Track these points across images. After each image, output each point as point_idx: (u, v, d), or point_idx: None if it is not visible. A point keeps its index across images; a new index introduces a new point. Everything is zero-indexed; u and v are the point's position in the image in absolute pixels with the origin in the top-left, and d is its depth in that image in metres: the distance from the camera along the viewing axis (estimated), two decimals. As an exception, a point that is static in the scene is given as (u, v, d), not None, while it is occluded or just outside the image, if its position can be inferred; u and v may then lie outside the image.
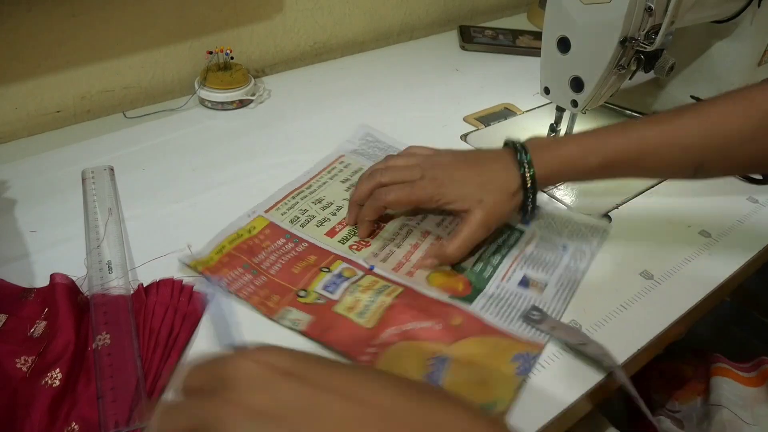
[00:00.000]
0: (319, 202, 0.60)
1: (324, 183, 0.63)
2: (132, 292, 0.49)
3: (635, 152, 0.51)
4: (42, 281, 0.50)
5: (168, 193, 0.62)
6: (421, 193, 0.52)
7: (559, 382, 0.45)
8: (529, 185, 0.52)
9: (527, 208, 0.54)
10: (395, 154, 0.59)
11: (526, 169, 0.51)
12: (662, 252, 0.58)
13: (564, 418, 0.44)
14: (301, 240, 0.56)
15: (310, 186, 0.62)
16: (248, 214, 0.58)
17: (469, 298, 0.51)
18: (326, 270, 0.52)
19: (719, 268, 0.57)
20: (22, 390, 0.41)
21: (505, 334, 0.48)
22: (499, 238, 0.57)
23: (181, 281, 0.50)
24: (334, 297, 0.50)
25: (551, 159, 0.52)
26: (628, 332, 0.49)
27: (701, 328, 0.65)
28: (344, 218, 0.58)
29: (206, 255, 0.52)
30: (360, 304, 0.49)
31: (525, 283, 0.53)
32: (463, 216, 0.52)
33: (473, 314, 0.49)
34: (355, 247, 0.55)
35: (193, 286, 0.49)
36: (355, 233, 0.57)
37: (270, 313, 0.48)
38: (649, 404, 0.71)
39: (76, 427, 0.39)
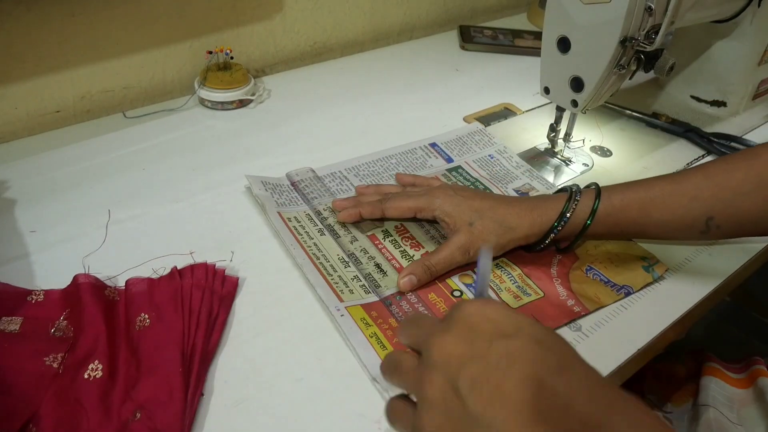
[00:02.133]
0: (344, 261, 0.54)
1: (314, 245, 0.55)
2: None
3: (642, 200, 0.52)
4: (42, 281, 0.50)
5: (168, 193, 0.62)
6: (421, 203, 0.55)
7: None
8: (557, 224, 0.52)
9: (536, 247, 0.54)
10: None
11: (570, 205, 0.51)
12: (662, 252, 0.58)
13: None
14: (399, 294, 0.51)
15: (316, 256, 0.54)
16: (338, 316, 0.48)
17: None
18: (458, 293, 0.52)
19: (719, 268, 0.57)
20: (64, 386, 0.41)
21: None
22: None
23: (214, 265, 0.51)
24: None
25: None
26: (628, 332, 0.49)
27: (700, 328, 0.65)
28: (378, 253, 0.55)
29: None
30: (513, 289, 0.52)
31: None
32: (449, 235, 0.54)
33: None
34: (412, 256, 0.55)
35: (225, 270, 0.51)
36: (407, 253, 0.55)
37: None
38: None
39: (139, 414, 0.40)
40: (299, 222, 0.57)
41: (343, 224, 0.58)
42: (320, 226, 0.57)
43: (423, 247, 0.56)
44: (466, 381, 0.28)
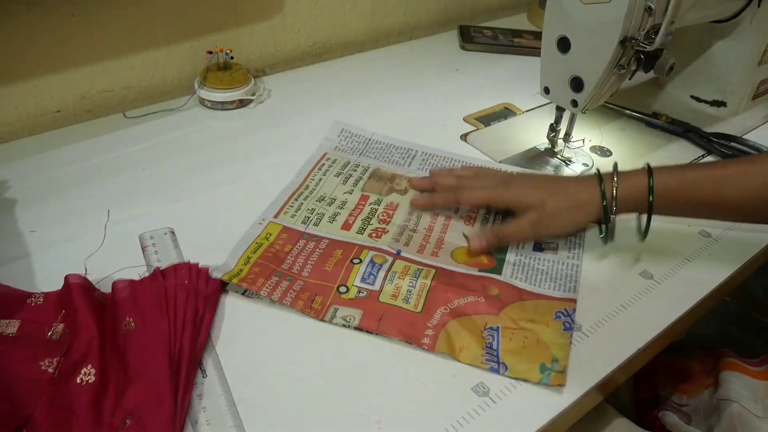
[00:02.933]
0: (322, 199, 0.61)
1: (320, 180, 0.63)
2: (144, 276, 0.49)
3: (716, 177, 0.52)
4: (42, 281, 0.50)
5: (168, 193, 0.62)
6: (495, 194, 0.57)
7: (569, 373, 0.45)
8: (610, 199, 0.53)
9: (605, 227, 0.55)
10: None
11: (614, 183, 0.53)
12: (662, 252, 0.58)
13: (573, 410, 0.45)
14: (320, 237, 0.56)
15: (307, 186, 0.63)
16: (259, 222, 0.57)
17: (497, 269, 0.54)
18: (357, 261, 0.53)
19: (719, 268, 0.57)
20: (57, 391, 0.41)
21: (540, 296, 0.51)
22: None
23: (197, 264, 0.50)
24: (375, 288, 0.51)
25: (634, 183, 0.53)
26: (628, 332, 0.49)
27: (702, 328, 0.65)
28: (352, 210, 0.59)
29: (233, 267, 0.51)
30: (402, 291, 0.51)
31: (539, 247, 0.57)
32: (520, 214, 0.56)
33: (507, 283, 0.52)
34: (374, 235, 0.57)
35: (208, 269, 0.50)
36: (369, 223, 0.58)
37: (318, 315, 0.48)
38: (656, 400, 0.71)
39: (129, 421, 0.39)
40: (332, 163, 0.66)
41: (361, 183, 0.64)
42: (343, 172, 0.65)
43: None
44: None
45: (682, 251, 0.58)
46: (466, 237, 0.57)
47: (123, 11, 0.71)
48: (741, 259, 0.58)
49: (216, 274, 0.50)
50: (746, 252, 0.59)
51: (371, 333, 0.47)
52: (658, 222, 0.62)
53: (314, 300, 0.49)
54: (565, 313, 0.50)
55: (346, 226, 0.58)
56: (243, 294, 0.50)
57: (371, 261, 0.53)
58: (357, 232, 0.57)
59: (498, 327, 0.48)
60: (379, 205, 0.60)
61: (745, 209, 0.53)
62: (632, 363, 0.49)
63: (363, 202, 0.61)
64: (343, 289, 0.50)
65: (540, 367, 0.45)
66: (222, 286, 0.50)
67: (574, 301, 0.51)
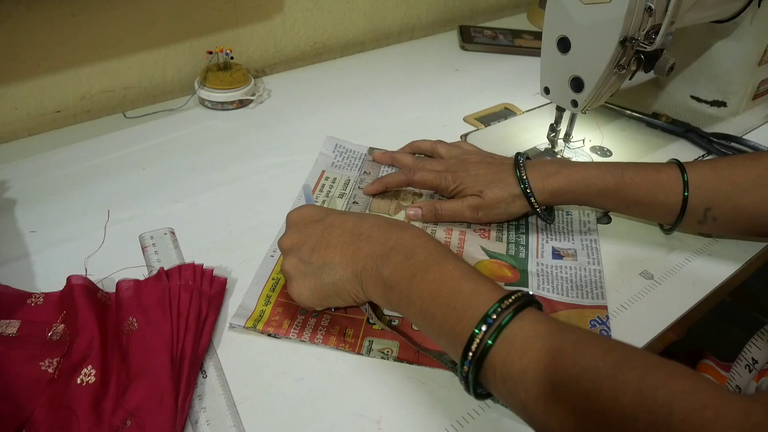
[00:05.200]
0: None
1: (323, 202, 0.61)
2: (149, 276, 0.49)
3: (650, 180, 0.54)
4: (42, 281, 0.50)
5: (168, 193, 0.62)
6: (440, 178, 0.59)
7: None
8: (532, 200, 0.55)
9: (540, 216, 0.58)
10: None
11: (526, 187, 0.55)
12: (662, 252, 0.58)
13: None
14: None
15: None
16: (270, 255, 0.54)
17: (523, 282, 0.53)
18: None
19: (719, 268, 0.57)
20: (57, 392, 0.41)
21: (571, 306, 0.51)
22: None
23: (202, 266, 0.50)
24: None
25: (557, 173, 0.55)
26: (628, 332, 0.49)
27: (700, 328, 0.65)
28: None
29: (253, 309, 0.48)
30: None
31: (558, 255, 0.56)
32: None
33: (537, 295, 0.50)
34: None
35: (213, 270, 0.50)
36: None
37: (355, 349, 0.46)
38: None
39: (129, 422, 0.39)
40: (333, 183, 0.64)
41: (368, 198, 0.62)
42: (346, 192, 0.63)
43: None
44: (306, 252, 0.45)
45: (682, 251, 0.58)
46: (484, 250, 0.56)
47: (123, 11, 0.71)
48: (741, 259, 0.58)
49: (237, 322, 0.47)
50: (746, 252, 0.59)
51: (413, 363, 0.45)
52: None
53: (346, 333, 0.47)
54: (599, 320, 0.49)
55: None
56: (269, 336, 0.47)
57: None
58: None
59: None
60: None
61: (673, 213, 0.55)
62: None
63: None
64: (372, 320, 0.48)
65: None
66: (225, 284, 0.50)
67: (605, 308, 0.51)
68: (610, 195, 0.54)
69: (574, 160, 0.70)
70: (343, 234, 0.45)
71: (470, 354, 0.36)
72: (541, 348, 0.34)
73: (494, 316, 0.36)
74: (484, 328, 0.36)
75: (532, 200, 0.55)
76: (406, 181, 0.61)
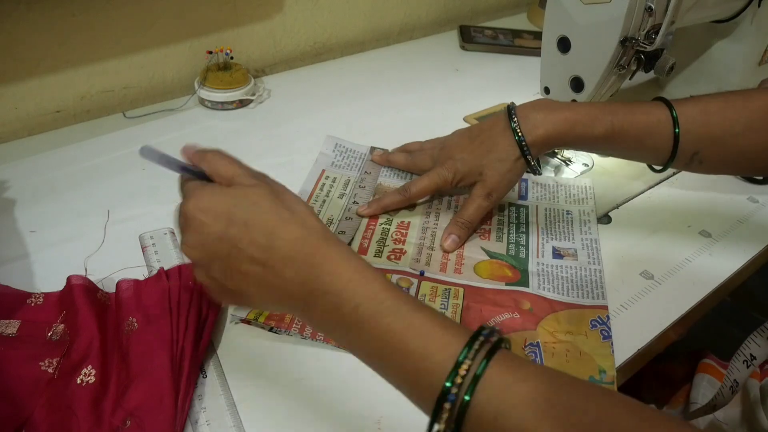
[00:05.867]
0: (331, 222, 0.58)
1: (323, 202, 0.61)
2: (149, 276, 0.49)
3: (639, 126, 0.52)
4: (42, 281, 0.50)
5: (168, 193, 0.61)
6: (437, 180, 0.58)
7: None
8: (525, 149, 0.54)
9: (533, 169, 0.57)
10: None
11: (518, 134, 0.53)
12: (662, 252, 0.58)
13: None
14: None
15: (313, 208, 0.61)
16: None
17: (523, 282, 0.53)
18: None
19: (719, 268, 0.57)
20: (57, 392, 0.41)
21: (571, 305, 0.51)
22: (510, 216, 0.61)
23: None
24: None
25: (546, 122, 0.53)
26: (628, 332, 0.49)
27: (700, 328, 0.65)
28: (364, 232, 0.57)
29: None
30: None
31: (558, 254, 0.56)
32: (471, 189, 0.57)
33: (537, 295, 0.51)
34: (393, 257, 0.55)
35: None
36: (385, 244, 0.56)
37: None
38: None
39: (129, 422, 0.39)
40: (333, 182, 0.63)
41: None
42: (346, 192, 0.62)
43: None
44: (217, 273, 0.38)
45: (682, 251, 0.58)
46: (484, 251, 0.56)
47: (123, 11, 0.71)
48: (741, 259, 0.58)
49: (238, 314, 0.47)
50: (746, 252, 0.59)
51: None
52: (658, 222, 0.62)
53: None
54: (600, 321, 0.49)
55: (362, 250, 0.55)
56: (269, 331, 0.47)
57: (397, 285, 0.51)
58: (375, 256, 0.55)
59: (538, 342, 0.47)
60: (390, 225, 0.59)
61: (661, 156, 0.54)
62: (632, 364, 0.49)
63: (373, 223, 0.59)
64: None
65: (589, 380, 0.44)
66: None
67: (606, 308, 0.51)
68: (599, 143, 0.53)
69: (573, 160, 0.70)
70: (252, 263, 0.36)
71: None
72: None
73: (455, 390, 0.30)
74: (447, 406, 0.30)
75: (529, 158, 0.54)
76: (404, 200, 0.59)
